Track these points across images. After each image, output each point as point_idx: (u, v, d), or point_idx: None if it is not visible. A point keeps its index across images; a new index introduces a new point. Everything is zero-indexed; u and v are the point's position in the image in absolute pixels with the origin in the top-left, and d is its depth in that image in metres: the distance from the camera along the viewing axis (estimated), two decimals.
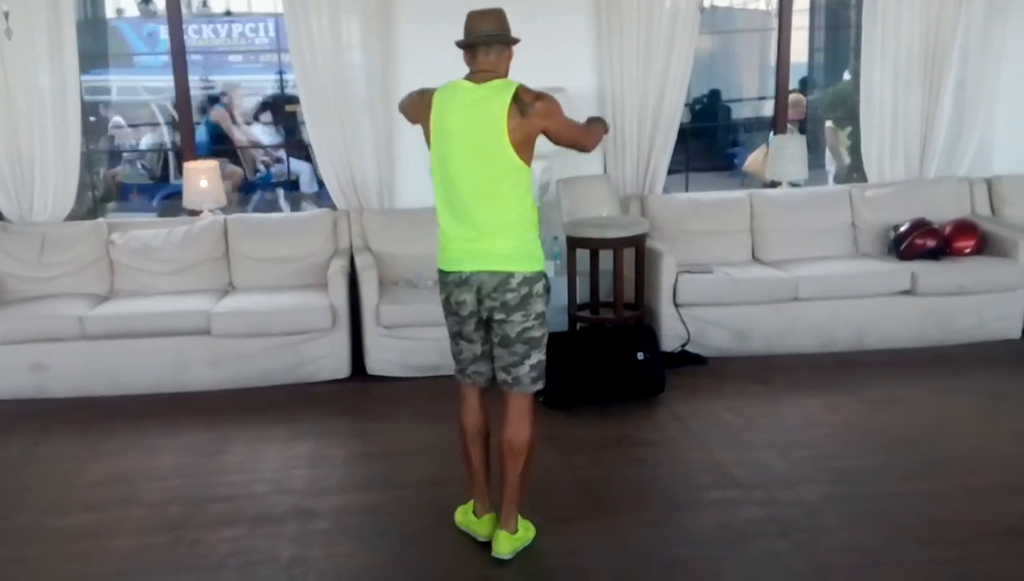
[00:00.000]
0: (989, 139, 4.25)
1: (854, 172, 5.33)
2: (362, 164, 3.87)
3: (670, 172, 4.13)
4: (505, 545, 2.18)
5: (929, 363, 3.56)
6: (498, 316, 2.09)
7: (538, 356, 2.13)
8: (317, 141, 3.88)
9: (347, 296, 3.49)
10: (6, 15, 3.39)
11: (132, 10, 6.42)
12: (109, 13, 5.85)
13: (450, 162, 2.08)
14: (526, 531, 2.25)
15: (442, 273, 2.16)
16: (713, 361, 3.59)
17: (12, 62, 3.63)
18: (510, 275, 2.06)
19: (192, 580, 2.17)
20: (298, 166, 6.51)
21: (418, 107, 2.13)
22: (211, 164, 4.04)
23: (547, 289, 2.14)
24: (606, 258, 3.56)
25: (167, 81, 4.85)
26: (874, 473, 2.62)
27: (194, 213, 4.00)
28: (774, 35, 4.52)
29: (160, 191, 6.28)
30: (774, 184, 4.27)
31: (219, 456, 2.87)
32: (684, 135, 4.34)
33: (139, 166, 6.62)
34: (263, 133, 6.78)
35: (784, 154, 4.15)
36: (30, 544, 2.36)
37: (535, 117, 2.03)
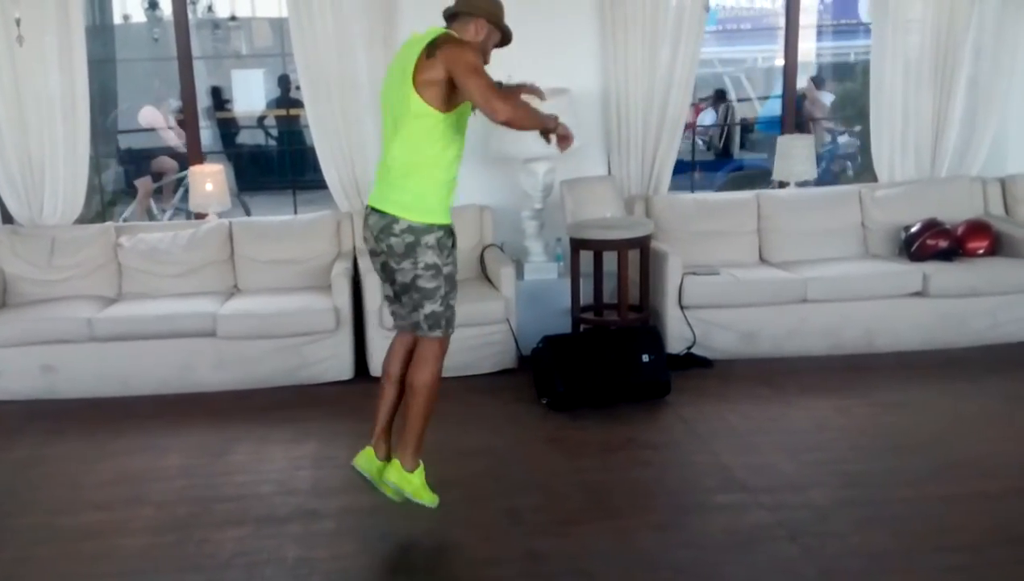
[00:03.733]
0: (1003, 137, 4.18)
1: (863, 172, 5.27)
2: (365, 165, 3.87)
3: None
4: (393, 474, 2.24)
5: (941, 366, 3.51)
6: (390, 262, 2.15)
7: (431, 307, 2.13)
8: (320, 142, 3.88)
9: (350, 298, 3.49)
10: (17, 22, 3.43)
11: (139, 15, 6.47)
12: (116, 19, 5.89)
13: (382, 101, 2.20)
14: (417, 477, 2.25)
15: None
16: (719, 363, 3.55)
17: (23, 67, 3.66)
18: (395, 220, 2.07)
19: (199, 579, 2.18)
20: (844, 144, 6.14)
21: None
22: (216, 168, 4.06)
23: (440, 243, 2.11)
24: (610, 260, 3.53)
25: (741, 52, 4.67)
26: (885, 477, 2.58)
27: (200, 216, 4.03)
28: (781, 33, 4.48)
29: (726, 166, 6.23)
30: (782, 184, 4.23)
31: (225, 457, 2.88)
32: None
33: (699, 142, 6.42)
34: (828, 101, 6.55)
35: (792, 154, 4.11)
36: (39, 543, 2.37)
37: (438, 60, 2.03)
